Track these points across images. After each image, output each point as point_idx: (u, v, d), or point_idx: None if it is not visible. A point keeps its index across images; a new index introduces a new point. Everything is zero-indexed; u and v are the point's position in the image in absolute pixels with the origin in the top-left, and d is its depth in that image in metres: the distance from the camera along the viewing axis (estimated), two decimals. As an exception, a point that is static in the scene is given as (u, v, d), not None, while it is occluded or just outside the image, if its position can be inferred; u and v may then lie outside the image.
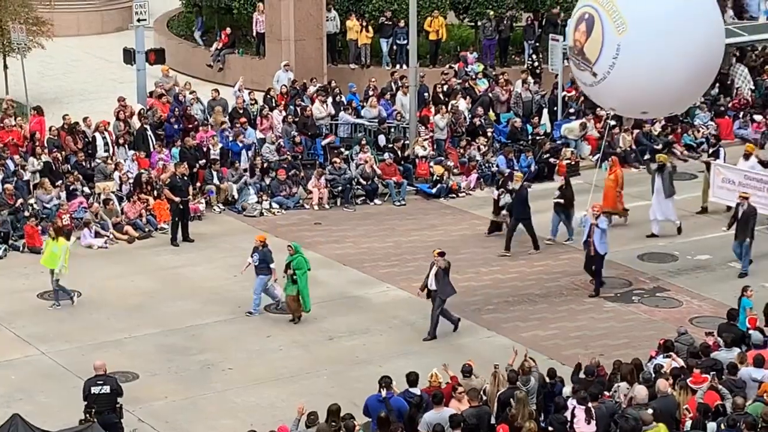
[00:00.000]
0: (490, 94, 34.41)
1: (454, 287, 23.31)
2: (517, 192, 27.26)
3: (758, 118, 34.95)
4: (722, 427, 17.61)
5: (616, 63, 23.19)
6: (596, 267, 25.23)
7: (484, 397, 18.64)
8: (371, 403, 18.55)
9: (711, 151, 31.21)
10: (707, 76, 24.50)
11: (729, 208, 28.20)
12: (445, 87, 34.21)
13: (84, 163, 29.65)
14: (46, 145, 29.78)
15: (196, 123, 31.62)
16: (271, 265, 24.06)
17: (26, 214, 27.70)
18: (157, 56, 33.50)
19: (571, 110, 33.70)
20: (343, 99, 33.32)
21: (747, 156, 29.28)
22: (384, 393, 18.51)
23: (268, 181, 30.03)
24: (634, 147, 32.95)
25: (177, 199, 27.76)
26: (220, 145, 30.80)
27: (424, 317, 24.05)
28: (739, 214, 26.28)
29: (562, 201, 27.64)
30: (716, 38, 24.06)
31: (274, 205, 29.74)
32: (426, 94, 33.76)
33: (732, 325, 21.39)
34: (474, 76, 35.20)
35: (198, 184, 29.64)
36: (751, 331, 21.07)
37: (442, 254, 23.23)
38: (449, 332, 23.62)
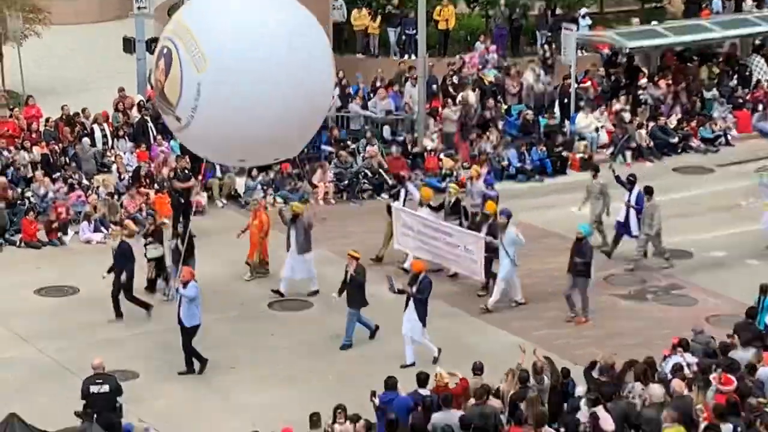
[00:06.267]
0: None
1: None
2: (117, 247, 23.26)
3: (777, 110, 34.52)
4: (738, 429, 17.04)
5: (198, 105, 20.08)
6: (183, 342, 21.53)
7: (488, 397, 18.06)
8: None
9: (392, 192, 27.36)
10: (311, 117, 21.42)
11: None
12: (455, 78, 33.64)
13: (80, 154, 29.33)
14: (42, 136, 29.37)
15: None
16: None
17: (24, 207, 27.30)
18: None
19: (582, 103, 33.28)
20: (350, 90, 32.81)
21: (422, 203, 25.69)
22: (376, 401, 18.10)
23: (272, 175, 29.55)
24: (649, 141, 32.46)
25: (188, 184, 27.04)
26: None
27: (432, 315, 23.50)
28: (348, 277, 22.38)
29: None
30: (319, 74, 20.95)
31: (279, 199, 29.24)
32: (435, 85, 33.17)
33: (750, 323, 20.83)
34: (483, 66, 34.68)
35: (200, 178, 29.18)
36: (773, 331, 20.54)
37: None
38: (459, 332, 23.12)
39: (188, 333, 21.57)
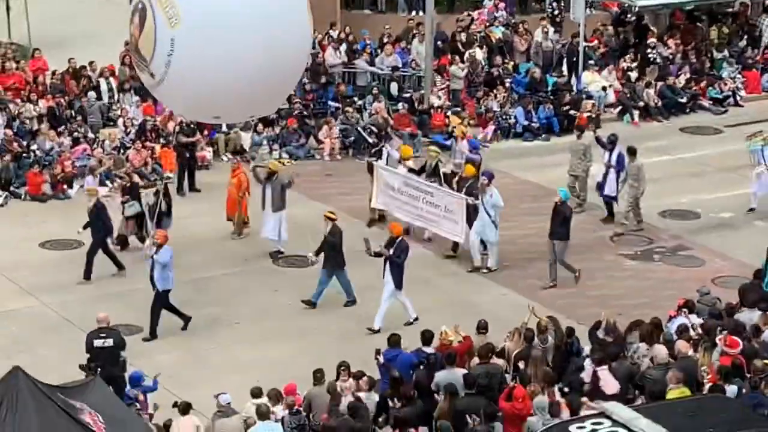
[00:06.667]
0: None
1: None
2: (93, 206, 23.02)
3: (786, 71, 34.29)
4: (743, 390, 17.04)
5: (172, 61, 19.98)
6: (156, 305, 21.26)
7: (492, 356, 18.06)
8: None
9: (373, 150, 26.47)
10: (287, 74, 21.18)
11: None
12: (463, 36, 33.40)
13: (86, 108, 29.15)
14: (48, 89, 29.19)
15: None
16: None
17: (29, 161, 27.18)
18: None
19: (591, 61, 33.01)
20: (358, 46, 32.61)
21: (401, 161, 25.26)
22: (381, 359, 18.11)
23: (277, 130, 29.38)
24: (657, 100, 32.23)
25: (193, 138, 27.07)
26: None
27: (438, 274, 23.50)
28: (326, 235, 22.09)
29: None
30: (295, 31, 20.73)
31: (284, 155, 29.11)
32: (439, 42, 32.86)
33: (756, 285, 20.71)
34: (491, 23, 34.41)
35: (206, 133, 29.03)
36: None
37: None
38: (463, 290, 23.01)
39: (160, 296, 21.24)
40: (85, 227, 23.23)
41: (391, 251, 21.35)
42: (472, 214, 23.58)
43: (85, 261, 23.13)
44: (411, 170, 24.92)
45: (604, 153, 25.75)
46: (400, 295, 21.56)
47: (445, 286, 23.35)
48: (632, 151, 25.31)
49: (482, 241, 23.73)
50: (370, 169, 25.42)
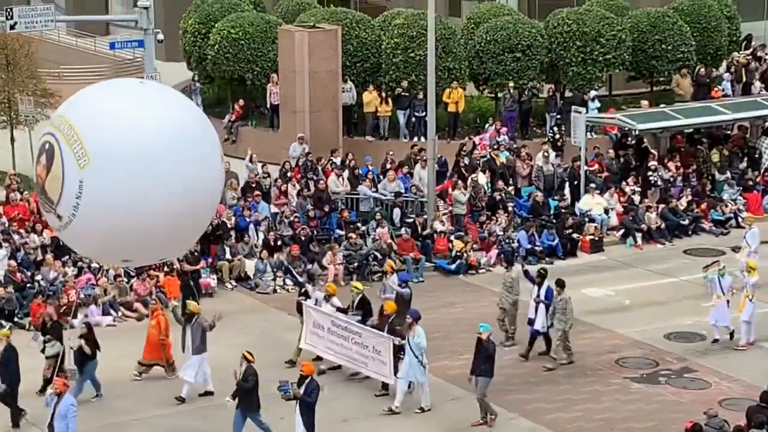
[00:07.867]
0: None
1: None
2: (3, 351, 22.42)
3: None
4: None
5: (80, 203, 19.03)
6: None
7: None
8: None
9: (302, 290, 25.91)
10: (198, 216, 20.27)
11: None
12: (467, 160, 33.68)
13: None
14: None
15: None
16: None
17: (33, 291, 27.15)
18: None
19: (593, 185, 33.18)
20: (360, 172, 32.85)
21: (328, 297, 24.85)
22: None
23: (281, 257, 29.43)
24: (659, 223, 32.30)
25: (197, 266, 27.05)
26: (233, 218, 30.30)
27: (443, 399, 23.34)
28: (239, 374, 21.54)
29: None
30: (207, 173, 19.82)
31: (288, 281, 29.10)
32: (436, 165, 33.06)
33: (763, 407, 20.62)
34: (497, 147, 34.69)
35: (210, 260, 29.05)
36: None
37: None
38: (468, 415, 22.76)
39: None
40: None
41: (302, 390, 20.85)
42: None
43: (9, 411, 22.43)
44: (338, 309, 24.67)
45: (533, 287, 25.41)
46: None
47: (452, 411, 23.16)
48: (560, 284, 24.98)
49: (410, 384, 23.24)
50: (299, 309, 25.08)
